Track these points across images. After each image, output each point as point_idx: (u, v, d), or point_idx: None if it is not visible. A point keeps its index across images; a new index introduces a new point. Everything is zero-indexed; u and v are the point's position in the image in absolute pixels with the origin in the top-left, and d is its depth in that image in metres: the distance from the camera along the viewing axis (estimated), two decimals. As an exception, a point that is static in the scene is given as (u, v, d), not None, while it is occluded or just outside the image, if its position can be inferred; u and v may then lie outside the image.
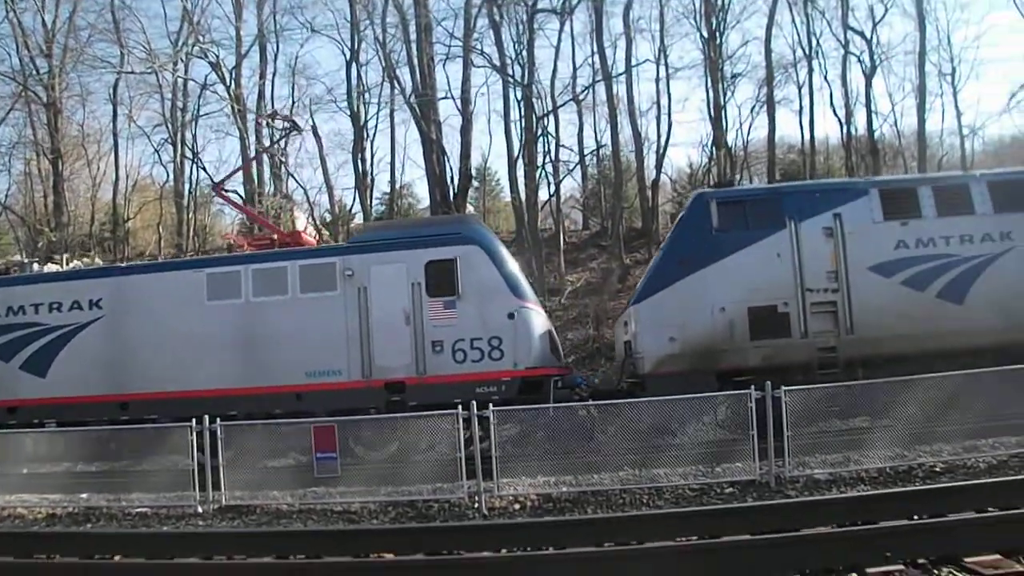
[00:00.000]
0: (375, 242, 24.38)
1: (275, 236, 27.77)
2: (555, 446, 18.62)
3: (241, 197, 50.84)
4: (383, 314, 23.39)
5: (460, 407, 17.60)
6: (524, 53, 47.78)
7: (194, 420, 18.48)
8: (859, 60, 50.66)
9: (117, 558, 13.60)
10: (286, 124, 36.84)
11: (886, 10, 50.50)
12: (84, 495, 19.77)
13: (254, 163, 51.93)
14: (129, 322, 24.90)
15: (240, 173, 48.88)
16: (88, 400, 24.42)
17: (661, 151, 51.26)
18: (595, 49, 49.44)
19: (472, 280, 23.11)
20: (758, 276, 22.55)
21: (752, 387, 17.23)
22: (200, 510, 17.93)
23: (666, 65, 51.63)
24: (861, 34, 50.47)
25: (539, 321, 23.35)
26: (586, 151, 53.98)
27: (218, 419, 18.74)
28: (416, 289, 23.30)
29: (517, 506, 16.76)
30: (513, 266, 23.81)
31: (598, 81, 49.79)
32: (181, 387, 23.83)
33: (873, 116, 50.87)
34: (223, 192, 35.49)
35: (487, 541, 12.86)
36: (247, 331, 24.08)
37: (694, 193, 26.51)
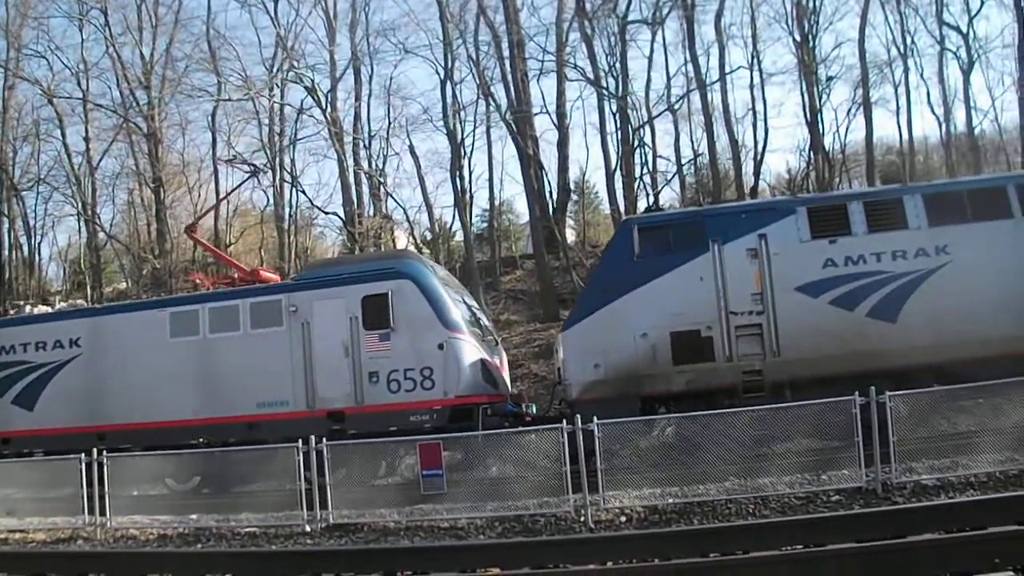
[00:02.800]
0: (317, 279, 26.51)
1: (236, 275, 30.33)
2: (659, 457, 18.87)
3: (341, 218, 52.32)
4: (324, 347, 25.28)
5: (564, 421, 17.73)
6: (617, 65, 49.08)
7: (300, 440, 19.81)
8: (956, 56, 50.75)
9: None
10: (247, 167, 39.90)
11: (982, 3, 49.17)
12: (194, 516, 21.13)
13: (352, 185, 53.06)
14: (104, 359, 27.64)
15: (340, 195, 50.87)
16: (70, 431, 26.95)
17: (759, 158, 51.93)
18: (688, 58, 50.56)
19: (404, 313, 24.75)
20: (680, 301, 23.09)
21: (856, 393, 17.51)
22: (308, 529, 19.03)
23: (760, 71, 52.01)
24: (957, 29, 50.35)
25: (470, 351, 24.68)
26: (683, 160, 55.06)
27: (324, 439, 20.01)
28: (354, 323, 25.06)
29: (624, 519, 16.97)
30: (446, 299, 25.18)
31: (692, 90, 51.21)
32: (149, 418, 26.40)
33: (973, 112, 50.74)
34: (193, 235, 38.65)
35: (592, 554, 13.09)
36: (205, 366, 26.43)
37: (622, 220, 27.98)
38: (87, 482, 20.91)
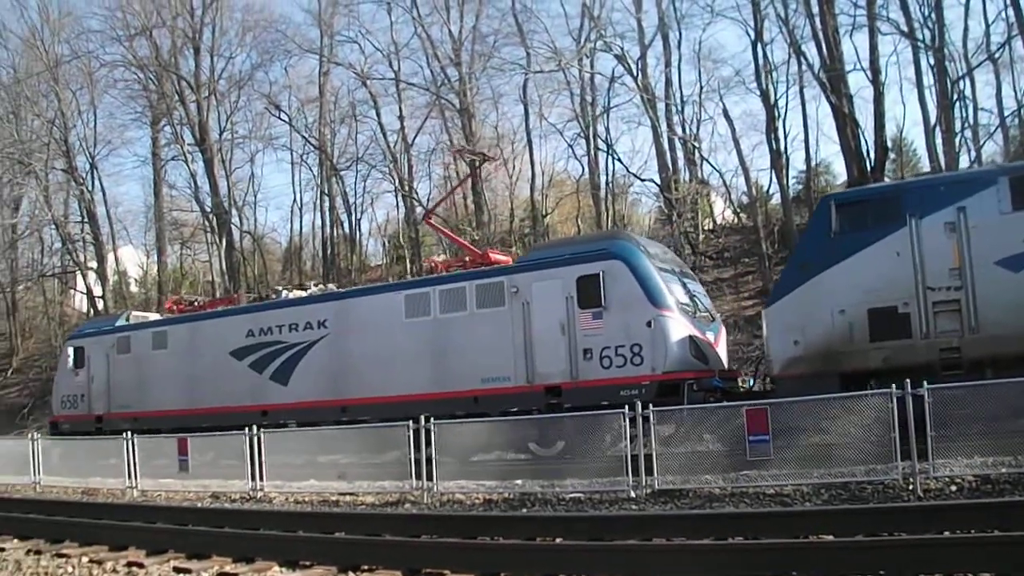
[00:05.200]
0: (535, 261, 29.81)
1: (468, 258, 34.06)
2: (994, 424, 18.34)
3: (657, 184, 53.95)
4: (542, 325, 28.27)
5: (893, 387, 18.32)
6: (932, 15, 47.36)
7: (627, 407, 21.04)
8: None
9: (559, 540, 14.66)
10: (475, 157, 44.40)
11: None
12: (519, 481, 22.74)
13: (667, 151, 55.00)
14: (347, 338, 32.38)
15: (655, 161, 53.47)
16: (318, 404, 31.95)
17: (1091, 104, 48.37)
18: (1008, 1, 47.59)
19: (615, 292, 27.17)
20: (877, 277, 23.68)
21: None
22: (633, 495, 20.07)
23: None
24: None
25: (677, 328, 26.68)
26: (1006, 112, 53.62)
27: (651, 404, 21.49)
28: (569, 302, 27.80)
29: (953, 488, 16.92)
30: (655, 278, 27.17)
31: (1014, 36, 49.35)
32: (385, 393, 30.54)
33: None
34: (429, 221, 43.86)
35: (925, 523, 13.22)
36: (435, 343, 30.29)
37: (821, 197, 29.15)
38: (419, 447, 22.84)
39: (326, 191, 72.34)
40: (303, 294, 36.79)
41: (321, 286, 39.87)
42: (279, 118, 72.32)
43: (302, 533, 17.31)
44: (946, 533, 12.81)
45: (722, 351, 29.23)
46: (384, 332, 31.23)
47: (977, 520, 13.38)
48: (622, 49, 57.11)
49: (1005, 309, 21.96)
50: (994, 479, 17.39)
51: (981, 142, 50.88)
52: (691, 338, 26.80)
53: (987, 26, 51.22)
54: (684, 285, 28.94)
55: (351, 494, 23.83)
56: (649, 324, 26.33)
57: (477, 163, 46.20)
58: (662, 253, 30.53)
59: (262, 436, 25.83)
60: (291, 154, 75.44)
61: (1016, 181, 22.71)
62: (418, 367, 30.20)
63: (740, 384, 28.97)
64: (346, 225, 73.65)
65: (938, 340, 22.83)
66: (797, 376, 24.01)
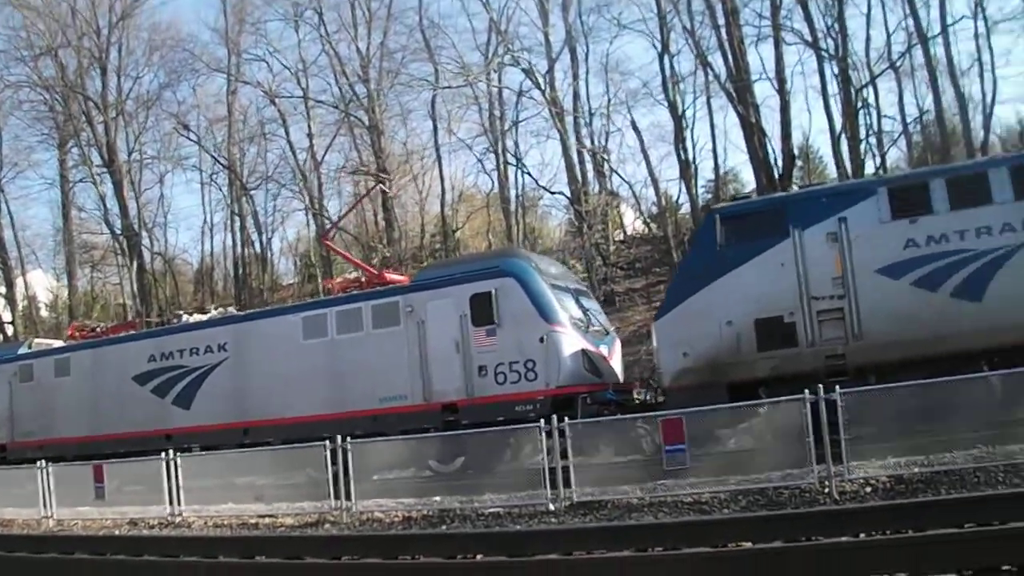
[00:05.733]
0: (429, 280, 29.69)
1: (364, 278, 33.80)
2: (905, 425, 18.69)
3: (567, 197, 54.20)
4: (438, 344, 28.25)
5: (807, 391, 18.54)
6: (835, 25, 47.65)
7: (543, 420, 21.50)
8: None
9: (479, 557, 14.64)
10: (370, 178, 46.39)
11: None
12: (437, 498, 22.78)
13: (576, 164, 55.52)
14: (246, 361, 32.13)
15: (564, 173, 55.16)
16: (220, 427, 31.57)
17: (988, 111, 50.34)
18: (907, 11, 48.99)
19: (508, 309, 27.24)
20: (763, 288, 24.08)
21: None
22: (552, 508, 20.26)
23: (984, 19, 49.74)
24: None
25: (570, 343, 26.78)
26: (909, 119, 54.23)
27: (566, 418, 21.67)
28: (463, 320, 27.78)
29: (868, 489, 17.12)
30: (547, 294, 27.32)
31: (914, 45, 51.02)
32: (285, 414, 30.27)
33: None
34: (327, 242, 44.39)
35: (842, 526, 13.35)
36: (333, 365, 30.14)
37: (708, 210, 29.75)
38: (332, 467, 23.03)
39: (236, 211, 71.72)
40: (204, 318, 36.78)
41: (221, 309, 39.85)
42: (188, 138, 71.70)
43: (223, 558, 17.15)
44: (862, 535, 12.97)
45: (616, 364, 29.47)
46: (283, 354, 31.10)
47: (892, 520, 13.60)
48: (530, 63, 57.74)
49: (887, 316, 22.63)
50: (907, 479, 17.70)
51: (885, 148, 52.10)
52: (584, 352, 26.98)
53: (888, 35, 52.84)
54: (578, 301, 29.23)
55: (270, 516, 23.73)
56: (542, 340, 26.46)
57: (372, 184, 46.42)
58: (556, 270, 30.97)
59: (179, 460, 25.63)
60: (200, 174, 74.57)
61: (894, 191, 23.56)
62: (317, 388, 30.15)
63: (635, 396, 28.95)
64: (257, 245, 73.38)
65: (823, 348, 23.29)
66: (687, 387, 24.24)
